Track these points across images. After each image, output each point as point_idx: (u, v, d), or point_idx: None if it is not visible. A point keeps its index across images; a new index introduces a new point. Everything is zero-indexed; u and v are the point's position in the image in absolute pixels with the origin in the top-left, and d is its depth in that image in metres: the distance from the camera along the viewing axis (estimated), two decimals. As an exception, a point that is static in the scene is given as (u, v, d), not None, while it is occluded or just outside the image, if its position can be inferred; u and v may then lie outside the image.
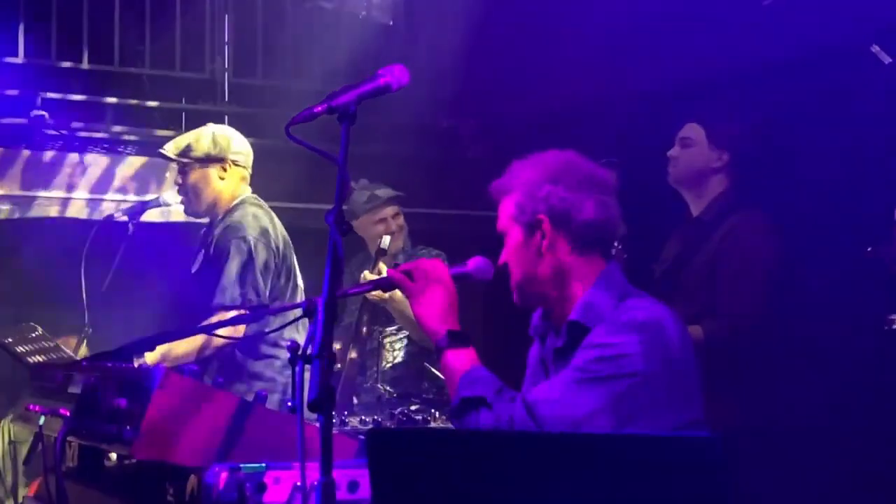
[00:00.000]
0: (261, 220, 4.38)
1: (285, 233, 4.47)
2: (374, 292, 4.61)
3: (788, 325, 4.29)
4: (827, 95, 4.63)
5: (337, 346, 4.94)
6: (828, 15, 4.60)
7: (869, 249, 3.82)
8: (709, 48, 5.04)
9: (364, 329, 4.83)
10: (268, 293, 4.28)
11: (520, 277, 2.67)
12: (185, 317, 4.11)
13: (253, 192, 4.56)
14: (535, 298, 2.70)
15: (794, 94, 4.85)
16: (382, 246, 4.62)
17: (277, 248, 4.36)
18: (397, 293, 4.63)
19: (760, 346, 4.01)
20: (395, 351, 4.94)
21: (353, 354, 4.79)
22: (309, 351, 2.00)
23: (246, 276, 4.25)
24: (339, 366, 4.85)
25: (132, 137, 6.21)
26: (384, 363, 4.91)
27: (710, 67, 5.15)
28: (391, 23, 6.64)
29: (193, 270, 4.43)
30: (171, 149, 4.48)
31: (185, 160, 4.44)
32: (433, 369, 4.71)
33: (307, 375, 1.99)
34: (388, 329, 4.92)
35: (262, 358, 4.35)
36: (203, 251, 4.43)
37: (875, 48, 3.88)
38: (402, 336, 4.94)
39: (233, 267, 4.24)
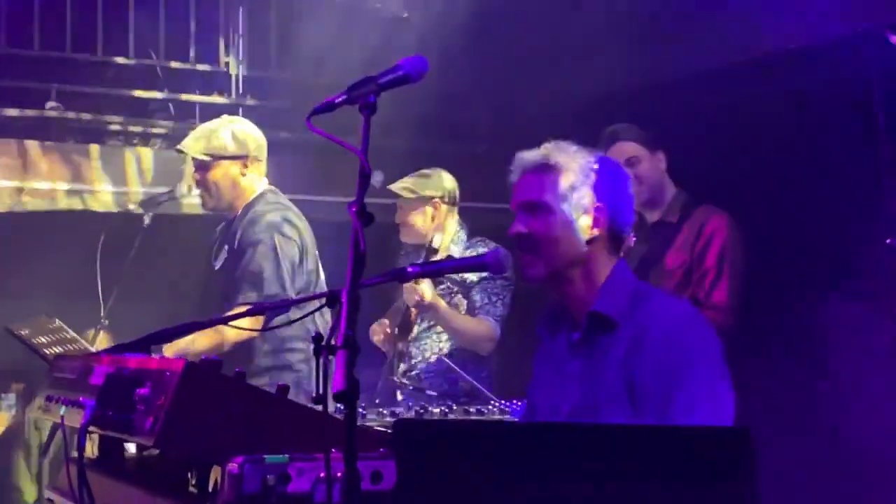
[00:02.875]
0: (284, 214, 4.37)
1: (307, 225, 4.46)
2: (416, 300, 4.61)
3: (781, 314, 4.33)
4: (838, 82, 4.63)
5: (388, 329, 4.91)
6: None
7: (888, 241, 3.82)
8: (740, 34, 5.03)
9: (412, 320, 4.83)
10: (293, 286, 4.28)
11: (557, 255, 2.69)
12: (208, 313, 4.11)
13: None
14: (562, 279, 2.72)
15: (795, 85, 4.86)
16: (434, 245, 4.66)
17: (302, 240, 4.36)
18: (440, 305, 4.63)
19: (746, 339, 4.03)
20: (440, 342, 4.88)
21: (399, 345, 4.80)
22: (333, 341, 2.00)
23: (272, 270, 4.25)
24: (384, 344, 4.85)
25: (147, 130, 6.22)
26: (426, 355, 4.87)
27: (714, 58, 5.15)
28: (405, 15, 6.62)
29: (218, 266, 4.42)
30: (189, 147, 4.44)
31: (205, 158, 4.41)
32: (449, 362, 4.69)
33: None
34: (429, 322, 4.88)
35: (284, 350, 4.35)
36: (227, 246, 4.41)
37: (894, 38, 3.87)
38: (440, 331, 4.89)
39: (258, 260, 4.24)
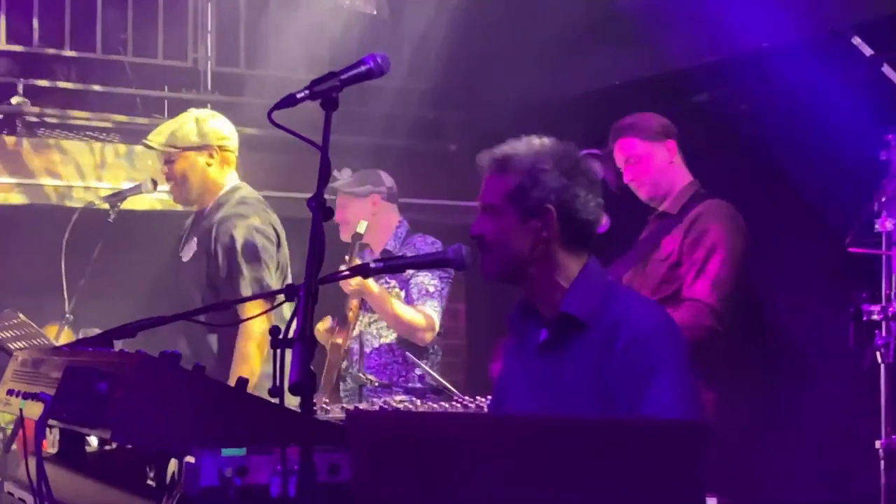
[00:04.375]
0: (258, 210, 4.39)
1: (278, 220, 4.47)
2: (351, 285, 4.64)
3: (759, 314, 4.33)
4: (799, 87, 4.67)
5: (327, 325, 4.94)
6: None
7: (847, 241, 3.84)
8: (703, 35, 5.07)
9: (350, 314, 4.83)
10: (272, 282, 4.30)
11: (506, 257, 2.67)
12: (174, 305, 4.10)
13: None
14: (516, 280, 2.71)
15: (767, 86, 4.89)
16: (359, 231, 4.67)
17: (277, 236, 4.37)
18: (371, 286, 4.67)
19: (727, 333, 4.04)
20: (380, 337, 4.91)
21: (339, 339, 4.79)
22: (290, 335, 2.01)
23: (257, 265, 4.26)
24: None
25: (114, 125, 6.20)
26: (367, 348, 4.90)
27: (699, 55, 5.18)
28: (375, 12, 6.63)
29: (186, 258, 4.41)
30: (154, 139, 4.44)
31: (169, 150, 4.41)
32: (414, 359, 4.71)
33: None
34: (376, 314, 4.90)
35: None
36: (196, 239, 4.40)
37: (856, 40, 3.90)
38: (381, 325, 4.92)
39: (245, 256, 4.24)
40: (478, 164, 2.75)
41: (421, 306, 4.79)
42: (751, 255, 4.12)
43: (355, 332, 4.87)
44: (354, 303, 4.83)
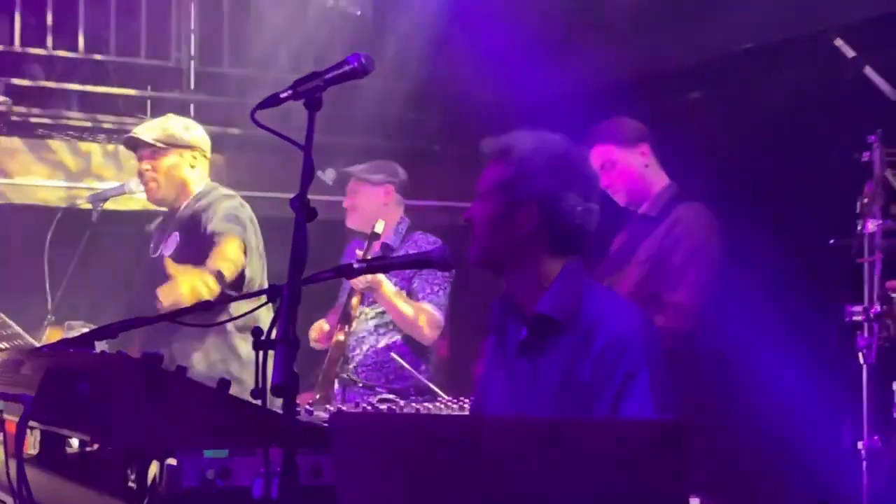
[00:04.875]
0: (245, 208, 4.47)
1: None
2: (361, 281, 4.63)
3: (739, 317, 4.34)
4: (789, 85, 4.69)
5: (325, 326, 4.93)
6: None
7: (831, 241, 3.85)
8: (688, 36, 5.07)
9: (352, 311, 4.81)
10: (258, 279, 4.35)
11: (485, 244, 2.68)
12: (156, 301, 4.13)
13: (217, 180, 4.60)
14: (492, 268, 2.72)
15: (749, 87, 4.91)
16: (377, 230, 4.66)
17: (257, 236, 4.43)
18: (385, 283, 4.66)
19: (707, 337, 4.05)
20: (381, 336, 4.88)
21: (341, 337, 4.77)
22: (273, 336, 2.00)
23: (242, 262, 4.33)
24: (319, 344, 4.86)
25: (96, 125, 6.18)
26: (366, 346, 4.87)
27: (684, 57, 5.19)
28: (359, 13, 6.62)
29: (168, 252, 4.42)
30: (144, 133, 4.48)
31: (160, 145, 4.45)
32: (399, 359, 4.70)
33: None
34: (377, 310, 4.88)
35: (228, 344, 4.38)
36: (176, 233, 4.43)
37: (838, 41, 3.91)
38: (388, 319, 4.89)
39: (235, 250, 4.31)
40: (480, 150, 2.75)
41: (426, 304, 4.79)
42: (725, 256, 4.14)
43: (355, 328, 4.85)
44: (355, 300, 4.81)
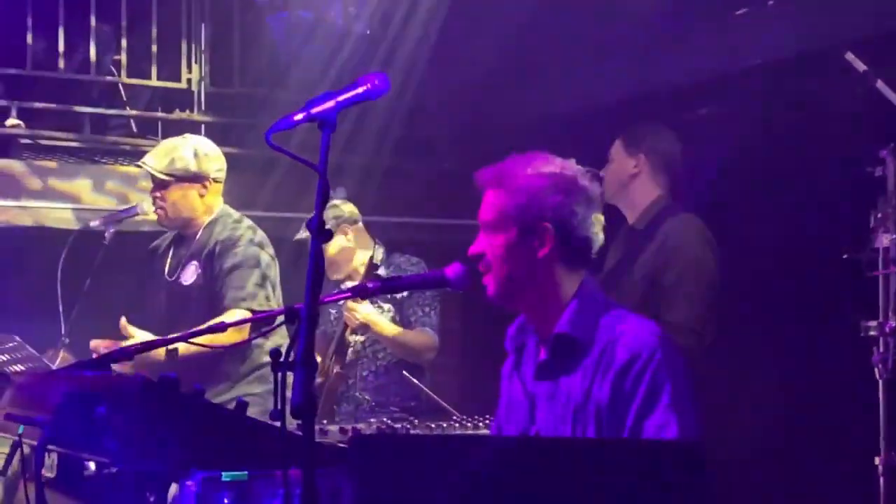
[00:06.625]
0: (258, 232, 4.44)
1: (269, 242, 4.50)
2: (354, 322, 4.64)
3: (751, 331, 4.32)
4: (801, 100, 4.68)
5: (318, 357, 4.94)
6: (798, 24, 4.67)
7: (845, 256, 3.85)
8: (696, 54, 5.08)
9: (347, 340, 4.83)
10: (272, 303, 4.32)
11: (504, 275, 2.65)
12: (174, 329, 4.10)
13: (229, 202, 4.58)
14: (515, 299, 2.69)
15: (762, 103, 4.91)
16: (375, 261, 4.66)
17: (274, 260, 4.40)
18: (378, 323, 4.67)
19: (709, 354, 4.03)
20: (377, 360, 4.92)
21: (338, 368, 4.79)
22: (291, 358, 2.00)
23: (261, 284, 4.31)
24: (319, 379, 4.85)
25: (108, 147, 6.20)
26: (365, 371, 4.90)
27: (695, 75, 5.20)
28: (368, 32, 6.64)
29: (187, 282, 4.41)
30: (152, 165, 4.43)
31: (166, 178, 4.41)
32: (412, 378, 4.70)
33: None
34: (371, 336, 4.89)
35: (244, 365, 4.37)
36: (195, 263, 4.40)
37: (850, 56, 3.91)
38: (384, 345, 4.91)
39: (249, 273, 4.29)
40: (477, 181, 2.73)
41: (421, 328, 4.81)
42: (720, 265, 4.14)
43: (352, 357, 4.87)
44: (348, 333, 4.83)
